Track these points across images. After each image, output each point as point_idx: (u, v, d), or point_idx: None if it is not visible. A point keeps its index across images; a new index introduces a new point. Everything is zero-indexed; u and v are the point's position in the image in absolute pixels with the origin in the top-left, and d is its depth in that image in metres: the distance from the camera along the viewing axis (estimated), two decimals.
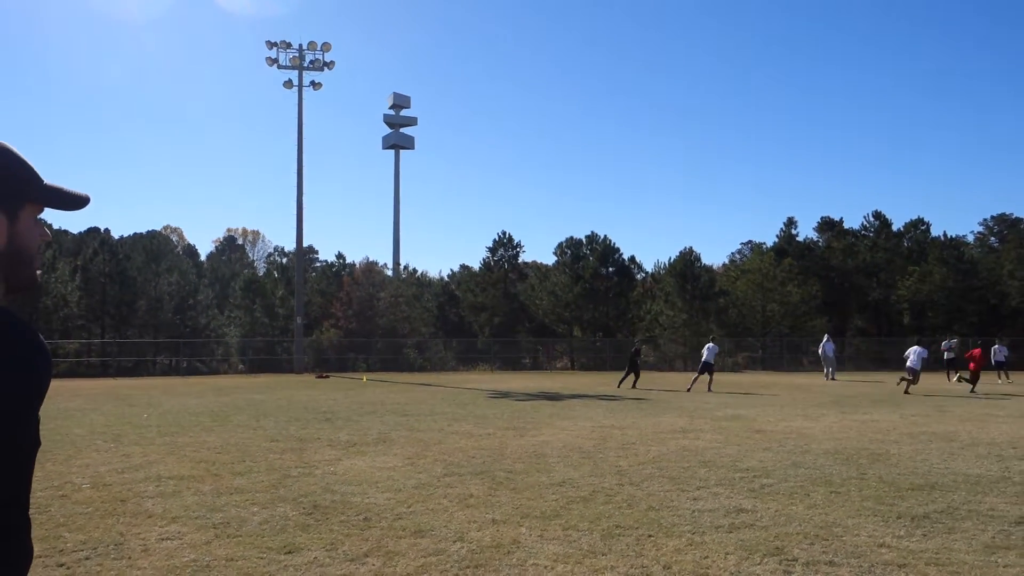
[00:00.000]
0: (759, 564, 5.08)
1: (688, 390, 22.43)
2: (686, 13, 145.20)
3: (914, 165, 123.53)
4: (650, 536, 5.81)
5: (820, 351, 32.19)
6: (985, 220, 62.68)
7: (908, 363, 21.54)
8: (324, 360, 43.01)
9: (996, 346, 29.79)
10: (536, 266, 61.17)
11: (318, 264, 63.20)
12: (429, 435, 12.01)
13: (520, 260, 59.73)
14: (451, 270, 73.31)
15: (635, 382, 24.85)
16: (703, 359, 24.68)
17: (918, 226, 56.37)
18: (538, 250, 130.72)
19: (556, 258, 57.06)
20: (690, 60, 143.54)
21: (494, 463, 9.26)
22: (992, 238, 60.16)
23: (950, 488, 7.56)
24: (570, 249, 56.34)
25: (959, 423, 13.54)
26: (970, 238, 60.22)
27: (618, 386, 24.33)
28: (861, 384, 27.08)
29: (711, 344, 25.31)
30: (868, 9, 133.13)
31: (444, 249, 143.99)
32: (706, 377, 23.50)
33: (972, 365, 22.82)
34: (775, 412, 15.88)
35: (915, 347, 22.44)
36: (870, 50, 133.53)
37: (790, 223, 60.30)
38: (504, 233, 57.49)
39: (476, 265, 60.90)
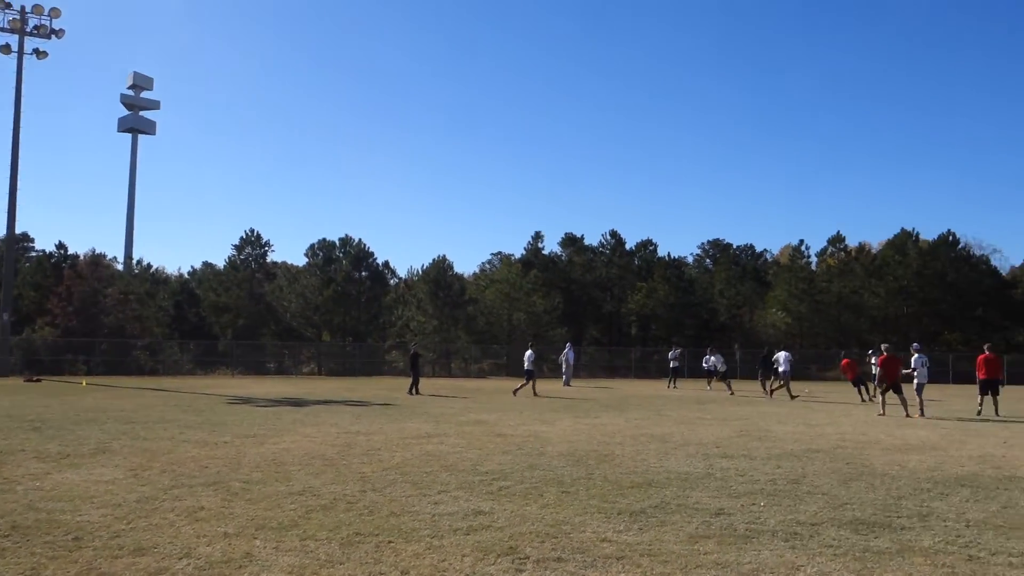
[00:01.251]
0: (493, 564, 5.27)
1: (514, 393, 24.29)
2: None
3: (646, 188, 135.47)
4: (390, 542, 5.81)
5: (562, 358, 34.15)
6: (703, 243, 69.97)
7: (780, 369, 23.14)
8: (36, 361, 38.37)
9: (707, 356, 33.45)
10: (286, 267, 59.10)
11: (33, 254, 56.37)
12: (157, 444, 11.15)
13: (269, 260, 57.43)
14: (192, 267, 68.75)
15: (414, 387, 24.85)
16: (525, 367, 25.96)
17: (647, 246, 61.81)
18: (288, 250, 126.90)
19: (307, 259, 55.57)
20: (445, 64, 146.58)
21: (229, 473, 8.79)
22: (708, 260, 67.29)
23: (663, 485, 8.33)
24: (323, 251, 55.13)
25: (674, 425, 14.98)
26: (690, 259, 66.92)
27: (409, 392, 24.28)
28: (593, 390, 29.11)
29: (529, 352, 26.26)
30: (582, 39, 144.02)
31: (185, 245, 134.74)
32: (529, 386, 24.91)
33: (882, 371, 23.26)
34: (515, 417, 16.59)
35: (783, 352, 24.50)
36: (591, 75, 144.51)
37: (537, 237, 63.43)
38: (252, 231, 54.99)
39: (221, 263, 57.74)
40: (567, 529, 6.25)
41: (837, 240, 60.04)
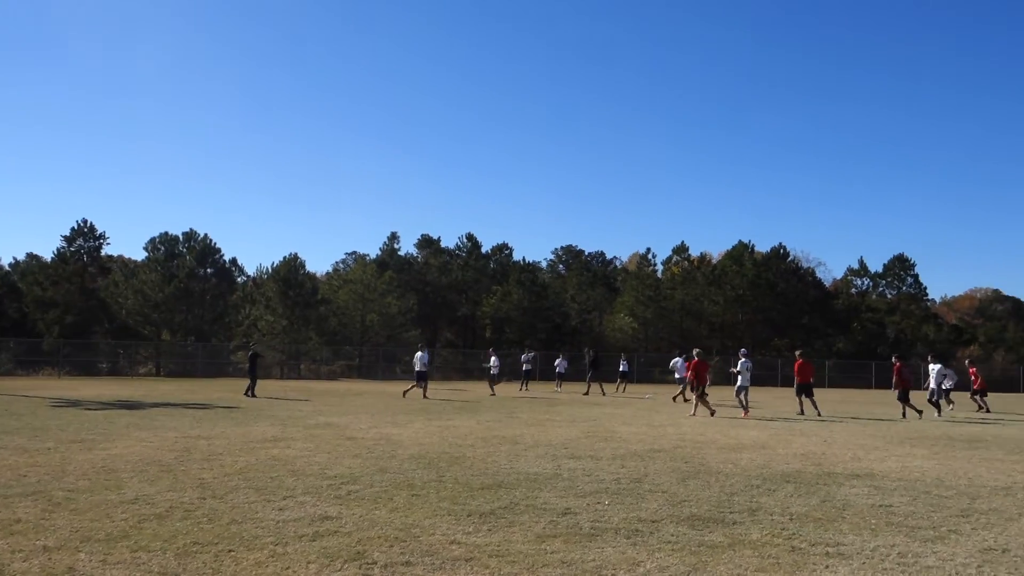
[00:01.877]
0: (340, 570, 5.15)
1: (404, 395, 24.58)
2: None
3: (503, 192, 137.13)
4: (230, 551, 5.56)
5: (415, 361, 33.94)
6: (556, 249, 71.75)
7: (739, 382, 20.70)
8: None
9: (559, 359, 34.37)
10: (123, 261, 55.68)
11: None
12: None
13: (104, 253, 53.92)
14: (14, 259, 63.33)
15: (251, 390, 23.89)
16: (416, 369, 25.56)
17: (503, 250, 62.70)
18: (126, 244, 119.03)
19: (147, 254, 52.60)
20: (298, 59, 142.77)
21: (52, 481, 8.15)
22: (560, 265, 69.03)
23: (513, 486, 8.45)
24: (164, 245, 52.36)
25: (525, 427, 15.23)
26: (544, 264, 68.40)
27: (246, 394, 23.58)
28: (446, 392, 29.15)
29: (421, 354, 25.79)
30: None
31: (6, 234, 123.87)
32: (420, 389, 24.96)
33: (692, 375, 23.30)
34: (367, 419, 16.35)
35: (744, 359, 23.71)
36: (447, 75, 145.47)
37: (393, 237, 63.00)
38: (85, 221, 51.50)
39: (48, 255, 53.60)
40: (416, 532, 6.21)
41: (681, 249, 63.14)
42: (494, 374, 29.43)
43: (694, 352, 20.46)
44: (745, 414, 19.13)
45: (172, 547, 5.63)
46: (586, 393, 28.71)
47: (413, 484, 8.42)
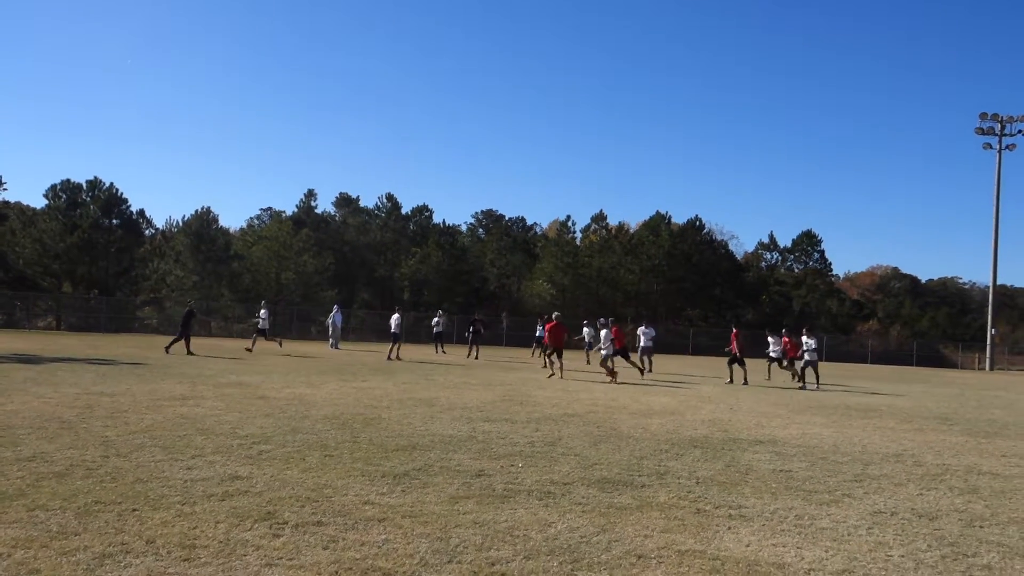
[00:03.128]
0: (250, 530, 5.08)
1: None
2: None
3: (424, 153, 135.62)
4: (134, 510, 5.40)
5: (329, 321, 33.48)
6: (476, 213, 71.47)
7: (641, 344, 24.28)
8: None
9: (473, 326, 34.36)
10: (20, 208, 52.79)
11: None
12: None
13: (0, 199, 51.01)
14: None
15: (173, 344, 23.57)
16: (392, 330, 26.26)
17: (423, 211, 62.06)
18: (24, 190, 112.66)
19: (47, 202, 50.03)
20: (217, 14, 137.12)
21: None
22: (480, 229, 68.86)
23: (428, 448, 8.47)
24: (66, 193, 49.91)
25: (441, 390, 15.26)
26: (464, 227, 68.12)
27: (167, 350, 23.33)
28: (362, 353, 28.90)
29: (396, 315, 26.39)
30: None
31: None
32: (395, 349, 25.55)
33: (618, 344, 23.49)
34: (280, 379, 16.08)
35: (646, 328, 25.04)
36: (369, 33, 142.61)
37: (310, 195, 61.60)
38: None
39: None
40: (329, 493, 6.17)
41: (600, 218, 63.87)
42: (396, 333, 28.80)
43: (552, 316, 21.88)
44: (643, 374, 21.44)
45: (72, 506, 5.44)
46: (471, 356, 28.87)
47: (326, 445, 8.34)
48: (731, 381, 21.04)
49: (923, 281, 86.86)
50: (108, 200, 50.50)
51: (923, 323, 68.35)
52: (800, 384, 21.11)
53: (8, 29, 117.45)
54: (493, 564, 4.63)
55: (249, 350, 25.62)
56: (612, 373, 19.32)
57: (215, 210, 52.23)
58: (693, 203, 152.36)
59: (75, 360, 18.78)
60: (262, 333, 26.30)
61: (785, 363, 23.09)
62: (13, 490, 5.81)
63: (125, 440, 8.07)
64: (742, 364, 21.23)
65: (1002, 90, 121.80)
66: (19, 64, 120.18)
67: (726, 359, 21.86)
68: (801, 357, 21.50)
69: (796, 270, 65.38)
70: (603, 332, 20.36)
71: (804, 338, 21.29)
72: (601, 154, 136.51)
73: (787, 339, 23.34)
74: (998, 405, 18.60)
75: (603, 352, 19.98)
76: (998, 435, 12.22)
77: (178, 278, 47.39)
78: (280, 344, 27.87)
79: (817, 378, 21.29)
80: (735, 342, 21.32)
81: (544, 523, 5.58)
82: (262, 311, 26.83)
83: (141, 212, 54.38)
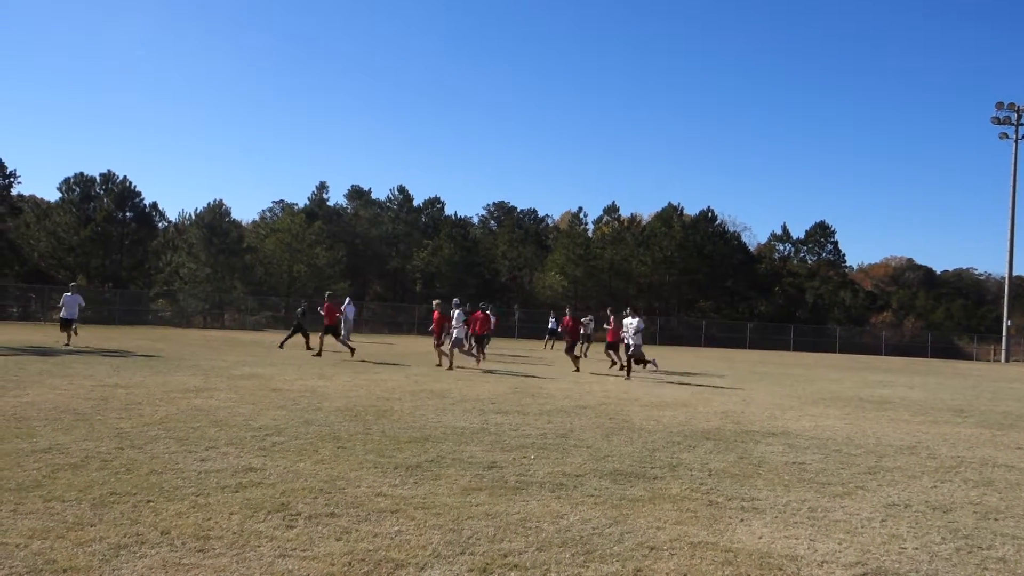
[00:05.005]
0: (263, 521, 5.10)
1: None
2: None
3: (436, 144, 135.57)
4: (149, 501, 5.44)
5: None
6: (488, 205, 71.42)
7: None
8: None
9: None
10: (35, 201, 53.16)
11: None
12: None
13: (15, 193, 51.40)
14: None
15: (307, 341, 24.18)
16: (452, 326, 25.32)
17: (435, 203, 62.06)
18: (38, 184, 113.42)
19: (62, 195, 50.32)
20: (227, 6, 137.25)
21: None
22: (492, 221, 68.82)
23: (440, 439, 8.48)
24: (80, 186, 50.18)
25: (453, 382, 15.28)
26: (475, 219, 68.11)
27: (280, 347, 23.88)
28: (374, 346, 28.98)
29: (458, 312, 25.09)
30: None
31: None
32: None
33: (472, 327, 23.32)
34: (293, 371, 16.15)
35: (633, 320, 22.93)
36: (384, 23, 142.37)
37: (322, 187, 61.73)
38: None
39: None
40: (341, 484, 6.19)
41: (612, 209, 63.67)
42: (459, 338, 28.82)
43: (480, 304, 22.19)
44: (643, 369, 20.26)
45: (88, 497, 5.48)
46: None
47: (339, 436, 8.37)
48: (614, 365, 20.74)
49: (938, 272, 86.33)
50: (122, 193, 50.74)
51: (938, 315, 67.85)
52: (626, 373, 18.58)
53: (21, 23, 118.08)
54: (505, 556, 4.64)
55: (315, 352, 22.71)
56: (621, 365, 19.21)
57: (227, 203, 52.48)
58: (705, 194, 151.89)
59: (89, 352, 18.92)
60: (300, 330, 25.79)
61: (578, 345, 21.87)
62: (30, 481, 5.86)
63: (140, 432, 8.13)
64: (572, 348, 20.83)
65: (1019, 79, 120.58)
66: (32, 58, 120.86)
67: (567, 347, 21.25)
68: (622, 340, 19.47)
69: (809, 261, 65.04)
70: (626, 321, 19.27)
71: (628, 318, 19.21)
72: (613, 145, 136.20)
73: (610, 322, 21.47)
74: (1013, 397, 18.46)
75: (633, 344, 18.50)
76: (1013, 427, 12.14)
77: (191, 271, 47.62)
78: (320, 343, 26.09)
79: (629, 369, 18.54)
80: (571, 326, 21.34)
81: (556, 515, 5.58)
82: (299, 309, 27.23)
83: (154, 205, 54.68)
